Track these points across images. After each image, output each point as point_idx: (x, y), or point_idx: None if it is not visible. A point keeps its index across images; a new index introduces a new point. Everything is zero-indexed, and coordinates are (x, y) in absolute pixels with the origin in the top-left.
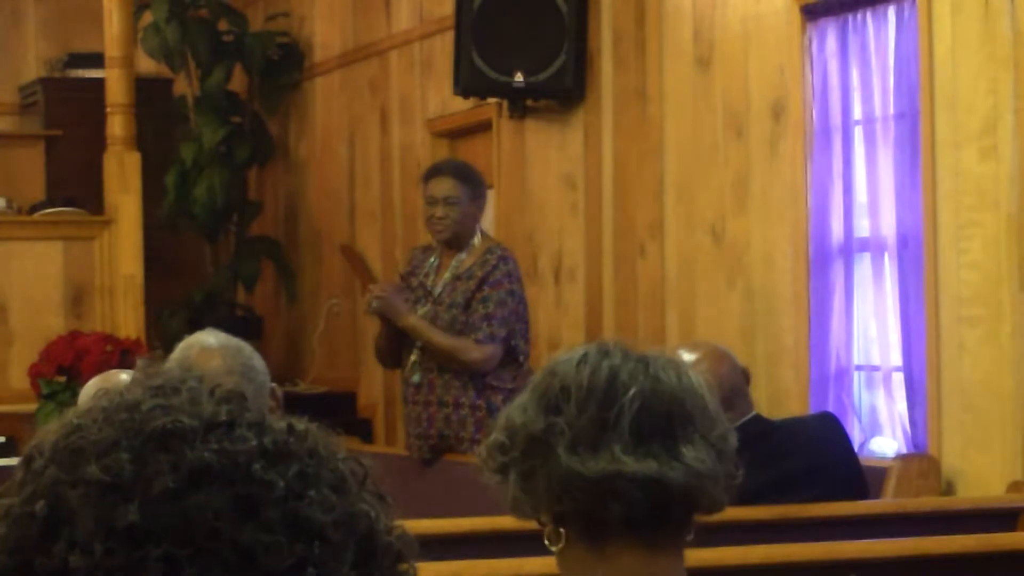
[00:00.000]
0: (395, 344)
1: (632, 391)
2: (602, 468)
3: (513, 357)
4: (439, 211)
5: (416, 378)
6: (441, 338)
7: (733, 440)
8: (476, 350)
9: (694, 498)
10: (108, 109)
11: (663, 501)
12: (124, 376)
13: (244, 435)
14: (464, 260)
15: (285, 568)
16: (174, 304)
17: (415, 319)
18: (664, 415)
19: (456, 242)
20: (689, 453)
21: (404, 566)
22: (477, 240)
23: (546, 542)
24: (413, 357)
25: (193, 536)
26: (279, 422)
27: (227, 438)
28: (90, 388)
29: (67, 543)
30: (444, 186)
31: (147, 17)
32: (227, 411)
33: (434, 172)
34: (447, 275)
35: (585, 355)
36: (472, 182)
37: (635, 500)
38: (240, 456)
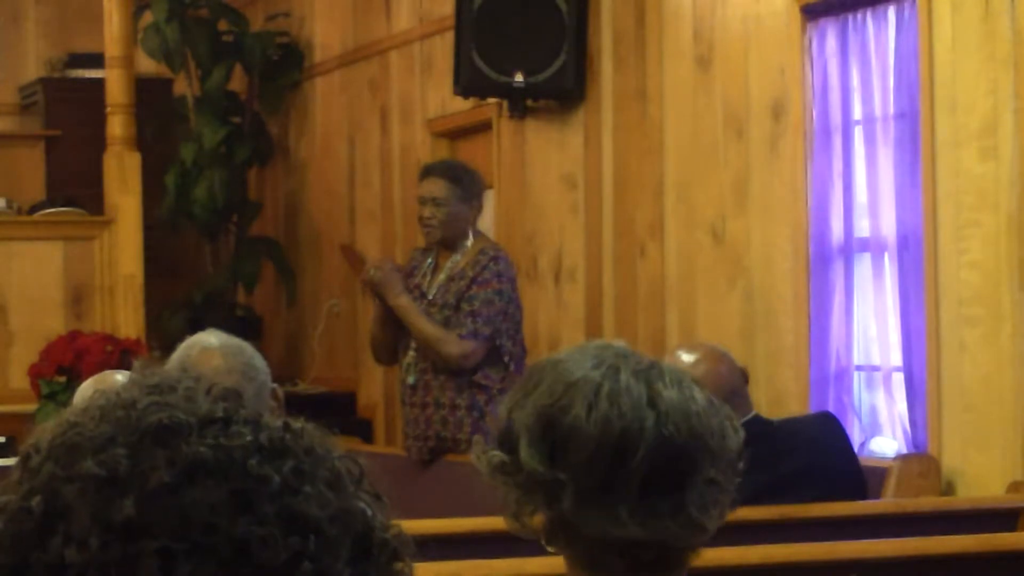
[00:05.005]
0: (390, 335)
1: (640, 451)
2: (605, 530)
3: (498, 357)
4: (427, 211)
5: (411, 379)
6: (426, 324)
7: (740, 458)
8: (456, 344)
9: (697, 546)
10: (108, 109)
11: (664, 553)
12: (119, 377)
13: (240, 431)
14: (458, 261)
15: (281, 563)
16: (174, 304)
17: (407, 300)
18: (673, 468)
19: (449, 243)
20: (695, 512)
21: (400, 564)
22: (471, 241)
23: (542, 542)
24: (408, 358)
25: (189, 530)
26: (275, 420)
27: (223, 433)
28: (85, 389)
29: (63, 538)
30: (433, 186)
31: (147, 17)
32: (223, 408)
33: (426, 172)
34: (441, 276)
35: (596, 394)
36: (463, 183)
37: (636, 556)
38: (236, 451)
